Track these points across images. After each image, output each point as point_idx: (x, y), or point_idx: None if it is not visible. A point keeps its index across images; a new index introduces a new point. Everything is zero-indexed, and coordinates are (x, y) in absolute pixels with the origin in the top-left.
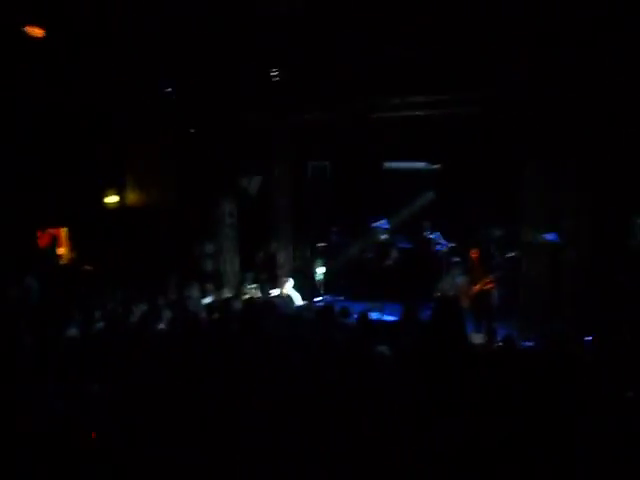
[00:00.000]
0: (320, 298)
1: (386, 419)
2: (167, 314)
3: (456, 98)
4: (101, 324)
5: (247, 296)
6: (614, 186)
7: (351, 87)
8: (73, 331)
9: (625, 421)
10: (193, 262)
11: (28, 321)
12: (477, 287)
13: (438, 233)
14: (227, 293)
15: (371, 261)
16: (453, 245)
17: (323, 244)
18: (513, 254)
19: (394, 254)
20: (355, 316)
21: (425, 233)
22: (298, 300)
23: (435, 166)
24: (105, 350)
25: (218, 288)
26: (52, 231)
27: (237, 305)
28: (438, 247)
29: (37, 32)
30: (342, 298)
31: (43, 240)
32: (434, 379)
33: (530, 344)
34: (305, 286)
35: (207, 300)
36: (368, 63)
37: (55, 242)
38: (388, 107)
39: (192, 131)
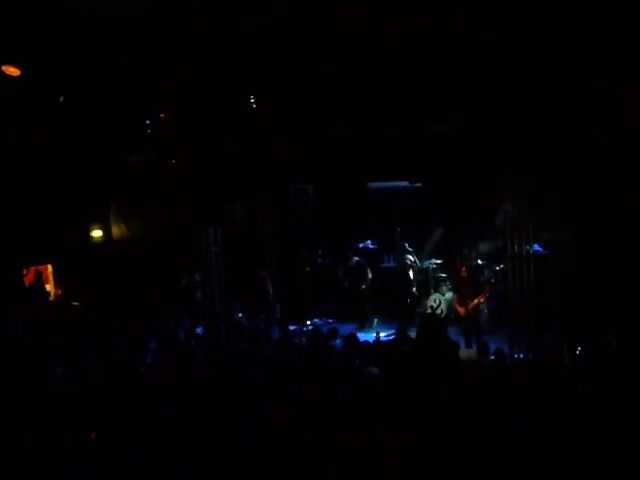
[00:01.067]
0: (309, 322)
1: (375, 437)
2: (153, 346)
3: (438, 115)
4: (92, 360)
5: None
6: (595, 199)
7: (330, 109)
8: (59, 369)
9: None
10: (182, 293)
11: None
12: (474, 302)
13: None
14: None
15: (350, 283)
16: (439, 262)
17: (309, 268)
18: (500, 267)
19: (369, 275)
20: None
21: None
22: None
23: (417, 184)
24: (96, 386)
25: (209, 317)
26: (37, 268)
27: (226, 333)
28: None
29: (13, 71)
30: (331, 321)
31: (28, 278)
32: (426, 395)
33: (522, 357)
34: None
35: (199, 330)
36: (347, 86)
37: (41, 279)
38: (367, 126)
39: (173, 162)
